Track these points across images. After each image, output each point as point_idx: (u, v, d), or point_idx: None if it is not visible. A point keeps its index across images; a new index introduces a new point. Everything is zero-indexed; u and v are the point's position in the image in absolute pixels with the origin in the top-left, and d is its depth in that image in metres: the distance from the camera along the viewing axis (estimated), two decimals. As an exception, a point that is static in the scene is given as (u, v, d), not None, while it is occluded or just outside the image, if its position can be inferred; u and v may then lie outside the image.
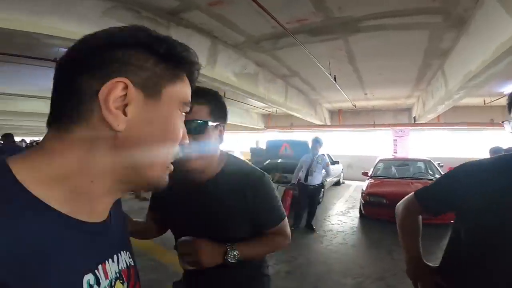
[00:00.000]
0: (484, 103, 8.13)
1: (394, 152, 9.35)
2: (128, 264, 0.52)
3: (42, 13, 2.46)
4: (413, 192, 1.06)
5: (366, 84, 7.72)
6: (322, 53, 5.34)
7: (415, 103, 9.76)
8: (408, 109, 10.82)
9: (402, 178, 5.73)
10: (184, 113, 0.47)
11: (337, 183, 9.30)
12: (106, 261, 0.45)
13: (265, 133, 12.48)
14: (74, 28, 2.62)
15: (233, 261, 0.83)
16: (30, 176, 0.35)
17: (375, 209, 4.72)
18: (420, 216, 1.06)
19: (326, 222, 5.15)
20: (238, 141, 13.60)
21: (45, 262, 0.34)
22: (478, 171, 0.89)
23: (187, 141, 0.49)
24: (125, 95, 0.38)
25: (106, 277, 0.43)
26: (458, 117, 9.15)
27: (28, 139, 16.55)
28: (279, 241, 0.97)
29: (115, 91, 0.37)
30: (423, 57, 5.50)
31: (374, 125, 9.92)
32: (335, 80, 6.51)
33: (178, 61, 0.44)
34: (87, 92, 0.37)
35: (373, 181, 5.69)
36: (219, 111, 0.87)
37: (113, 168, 0.40)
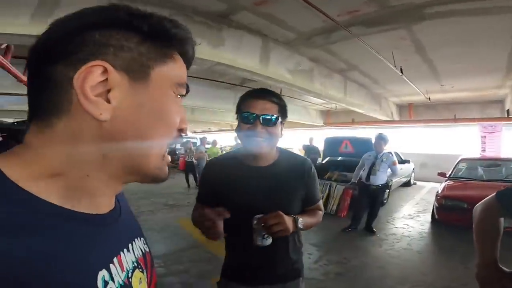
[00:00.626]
0: None
1: (482, 151, 7.96)
2: (144, 251, 0.50)
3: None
4: (494, 193, 0.98)
5: (442, 75, 6.85)
6: (382, 44, 4.97)
7: (508, 93, 8.13)
8: (500, 101, 9.05)
9: (491, 180, 4.85)
10: (179, 96, 0.43)
11: (407, 184, 8.42)
12: (122, 252, 0.43)
13: (324, 130, 12.05)
14: None
15: (301, 227, 1.03)
16: (21, 174, 0.32)
17: (452, 214, 4.13)
18: (502, 219, 0.98)
19: (389, 225, 4.72)
20: (297, 137, 13.37)
21: (52, 263, 0.31)
22: None
23: (186, 126, 0.45)
24: (106, 80, 0.35)
25: (122, 269, 0.41)
26: None
27: None
28: (320, 214, 1.18)
29: (91, 77, 0.33)
30: None
31: (456, 120, 8.60)
32: (401, 72, 5.95)
33: (167, 39, 0.40)
34: (63, 82, 0.34)
35: (452, 182, 4.98)
36: (284, 110, 1.07)
37: (105, 161, 0.37)
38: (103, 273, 0.37)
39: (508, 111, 7.96)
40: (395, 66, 5.65)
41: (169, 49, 0.41)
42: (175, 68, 0.41)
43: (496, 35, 4.44)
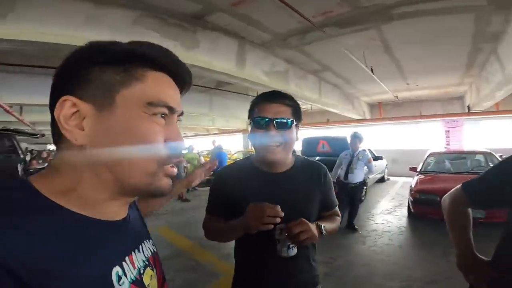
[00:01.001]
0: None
1: (447, 144, 8.48)
2: (152, 251, 0.58)
3: (79, 27, 2.70)
4: (460, 184, 1.01)
5: (408, 74, 7.22)
6: (354, 45, 5.12)
7: (468, 90, 8.79)
8: (460, 98, 9.77)
9: (458, 173, 5.11)
10: (163, 115, 0.45)
11: (381, 180, 8.72)
12: (133, 252, 0.50)
13: (300, 131, 12.19)
14: (108, 38, 2.84)
15: (325, 233, 0.98)
16: (49, 190, 0.40)
17: (426, 208, 4.27)
18: (470, 209, 1.00)
19: (370, 221, 4.82)
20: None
21: (73, 258, 0.38)
22: None
23: (181, 141, 0.48)
24: (78, 111, 0.41)
25: (134, 267, 0.48)
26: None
27: None
28: (338, 220, 1.14)
29: (63, 110, 0.40)
30: (472, 42, 5.06)
31: (421, 117, 9.11)
32: (372, 72, 6.16)
33: (127, 61, 0.43)
34: (53, 115, 0.41)
35: (423, 177, 5.19)
36: (299, 112, 1.02)
37: (100, 180, 0.43)
38: (116, 269, 0.44)
39: (468, 106, 8.57)
40: (366, 66, 5.83)
41: (134, 71, 0.44)
42: (144, 88, 0.44)
43: (457, 34, 4.72)
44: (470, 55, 5.88)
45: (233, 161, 1.29)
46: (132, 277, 0.47)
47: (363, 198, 5.87)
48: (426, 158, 5.90)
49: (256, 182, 1.01)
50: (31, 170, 5.67)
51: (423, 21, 4.22)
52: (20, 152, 5.33)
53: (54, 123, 0.42)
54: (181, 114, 0.52)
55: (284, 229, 0.89)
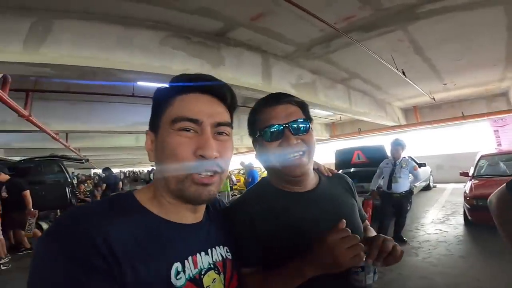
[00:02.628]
0: None
1: (498, 145, 7.70)
2: (224, 257, 0.63)
3: (111, 49, 2.85)
4: (504, 184, 0.93)
5: (443, 74, 6.81)
6: (381, 48, 4.96)
7: (511, 85, 8.03)
8: (504, 94, 8.94)
9: (516, 174, 4.57)
10: (182, 129, 0.55)
11: (427, 188, 8.06)
12: (198, 254, 0.57)
13: (330, 143, 11.85)
14: (139, 60, 2.98)
15: None
16: (143, 198, 0.57)
17: (486, 214, 3.77)
18: None
19: (420, 232, 4.39)
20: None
21: (142, 249, 0.49)
22: None
23: (203, 152, 0.53)
24: (152, 140, 0.59)
25: (195, 266, 0.55)
26: None
27: (125, 169, 19.62)
28: (372, 231, 0.96)
29: (146, 141, 0.60)
30: (508, 34, 4.67)
31: (464, 117, 8.42)
32: (403, 74, 5.89)
33: (168, 96, 0.58)
34: None
35: (477, 181, 4.71)
36: (308, 112, 0.83)
37: (164, 188, 0.57)
38: (177, 265, 0.52)
39: (516, 102, 7.80)
40: (397, 69, 5.60)
41: (169, 99, 0.58)
42: (170, 110, 0.56)
43: (490, 28, 4.43)
44: (508, 48, 5.42)
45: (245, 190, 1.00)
46: (191, 275, 0.53)
47: (408, 208, 5.44)
48: (478, 161, 5.40)
49: (293, 207, 0.78)
50: (77, 193, 6.10)
51: (451, 18, 4.01)
52: (67, 176, 5.76)
53: None
54: (226, 125, 0.59)
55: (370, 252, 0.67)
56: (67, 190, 5.56)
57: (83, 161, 7.05)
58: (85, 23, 2.69)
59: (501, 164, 5.21)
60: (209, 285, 0.56)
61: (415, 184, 5.75)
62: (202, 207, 0.63)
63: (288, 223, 0.75)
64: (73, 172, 11.90)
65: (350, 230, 0.63)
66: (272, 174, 0.84)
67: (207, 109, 0.56)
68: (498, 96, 9.06)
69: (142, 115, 6.06)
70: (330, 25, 3.94)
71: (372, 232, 0.92)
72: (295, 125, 0.75)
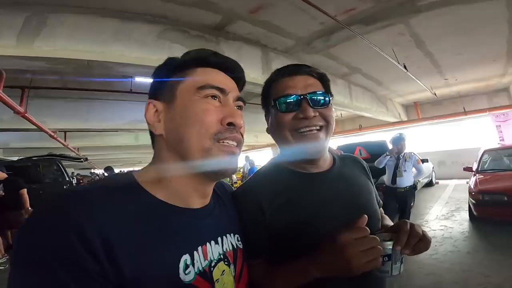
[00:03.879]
0: None
1: (501, 140, 7.64)
2: (235, 247, 0.58)
3: (107, 42, 2.79)
4: None
5: (445, 69, 6.77)
6: (382, 42, 4.89)
7: (513, 80, 8.00)
8: (506, 89, 8.90)
9: (520, 169, 4.55)
10: (210, 96, 0.52)
11: (429, 184, 8.02)
12: (208, 243, 0.51)
13: (331, 140, 11.76)
14: (137, 54, 2.92)
15: None
16: (144, 179, 0.50)
17: (492, 209, 3.82)
18: None
19: (425, 228, 4.24)
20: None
21: (148, 240, 0.43)
22: None
23: (230, 119, 0.52)
24: (157, 110, 0.53)
25: (205, 257, 0.49)
26: None
27: (125, 169, 19.59)
28: (387, 218, 0.87)
29: (147, 111, 0.53)
30: (509, 28, 4.63)
31: (466, 113, 8.36)
32: (405, 69, 5.82)
33: (183, 67, 0.55)
34: None
35: (481, 176, 4.66)
36: (329, 87, 0.75)
37: (174, 164, 0.51)
38: (186, 257, 0.47)
39: (518, 97, 7.76)
40: (398, 63, 5.52)
41: (186, 71, 0.55)
42: (194, 79, 0.54)
43: (491, 22, 4.39)
44: (509, 43, 5.38)
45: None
46: (200, 268, 0.47)
47: (412, 204, 5.38)
48: (481, 156, 5.35)
49: (307, 191, 0.70)
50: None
51: (453, 11, 3.97)
52: (66, 175, 5.68)
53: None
54: (241, 100, 0.58)
55: (398, 239, 0.59)
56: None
57: (82, 160, 6.97)
58: (81, 16, 2.64)
59: (505, 159, 5.16)
60: (218, 279, 0.50)
61: (419, 179, 5.70)
62: (210, 190, 0.57)
63: (303, 211, 0.68)
64: (72, 172, 11.78)
65: (368, 230, 0.55)
66: (285, 152, 0.74)
67: (229, 83, 0.57)
68: (499, 92, 9.00)
69: (140, 112, 5.95)
70: (331, 16, 3.86)
71: (388, 220, 0.84)
72: (314, 97, 0.68)
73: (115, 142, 8.53)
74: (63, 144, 6.23)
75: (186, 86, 0.53)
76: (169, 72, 0.55)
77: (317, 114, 0.68)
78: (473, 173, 4.97)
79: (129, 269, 0.39)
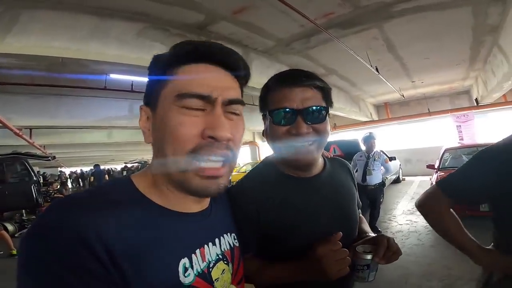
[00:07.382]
0: None
1: (460, 139, 8.32)
2: (232, 245, 0.58)
3: (84, 39, 2.68)
4: (434, 185, 0.95)
5: (412, 71, 7.21)
6: (357, 46, 5.12)
7: (473, 84, 8.75)
8: (467, 92, 9.69)
9: (477, 167, 4.96)
10: (189, 107, 0.45)
11: (397, 181, 8.55)
12: (206, 245, 0.51)
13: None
14: (115, 51, 2.83)
15: None
16: (142, 185, 0.48)
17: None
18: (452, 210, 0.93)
19: (392, 223, 4.65)
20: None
21: (146, 245, 0.42)
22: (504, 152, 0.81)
23: (213, 133, 0.44)
24: (148, 118, 0.50)
25: (203, 259, 0.50)
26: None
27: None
28: (364, 220, 0.96)
29: (141, 118, 0.50)
30: (473, 35, 5.04)
31: (430, 114, 9.00)
32: (377, 71, 6.13)
33: (169, 65, 0.48)
34: None
35: (443, 173, 5.04)
36: (329, 96, 0.75)
37: (163, 175, 0.49)
38: (184, 261, 0.46)
39: (476, 100, 8.48)
40: (371, 66, 5.81)
41: (173, 68, 0.47)
42: (174, 83, 0.47)
43: (457, 28, 4.71)
44: (472, 49, 5.86)
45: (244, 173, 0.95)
46: (199, 270, 0.48)
47: (381, 199, 5.72)
48: (443, 155, 5.76)
49: (297, 194, 0.75)
50: (51, 192, 5.74)
51: (423, 17, 4.22)
52: (33, 174, 5.34)
53: None
54: (239, 103, 0.49)
55: (377, 250, 0.70)
56: (33, 189, 5.16)
57: (49, 158, 6.54)
58: (57, 13, 2.50)
59: (464, 157, 5.57)
60: (217, 278, 0.51)
61: (387, 176, 6.06)
62: (206, 198, 0.56)
63: (292, 214, 0.73)
64: (38, 171, 11.01)
65: (341, 244, 0.65)
66: (278, 156, 0.79)
67: (219, 82, 0.47)
68: (461, 94, 9.78)
69: (115, 109, 5.74)
70: (311, 20, 3.97)
71: (364, 222, 0.93)
72: (310, 112, 0.69)
73: (86, 139, 8.11)
74: (28, 142, 5.81)
75: (167, 92, 0.46)
76: (157, 72, 0.48)
77: (311, 130, 0.69)
78: (435, 170, 5.35)
79: (131, 274, 0.39)
